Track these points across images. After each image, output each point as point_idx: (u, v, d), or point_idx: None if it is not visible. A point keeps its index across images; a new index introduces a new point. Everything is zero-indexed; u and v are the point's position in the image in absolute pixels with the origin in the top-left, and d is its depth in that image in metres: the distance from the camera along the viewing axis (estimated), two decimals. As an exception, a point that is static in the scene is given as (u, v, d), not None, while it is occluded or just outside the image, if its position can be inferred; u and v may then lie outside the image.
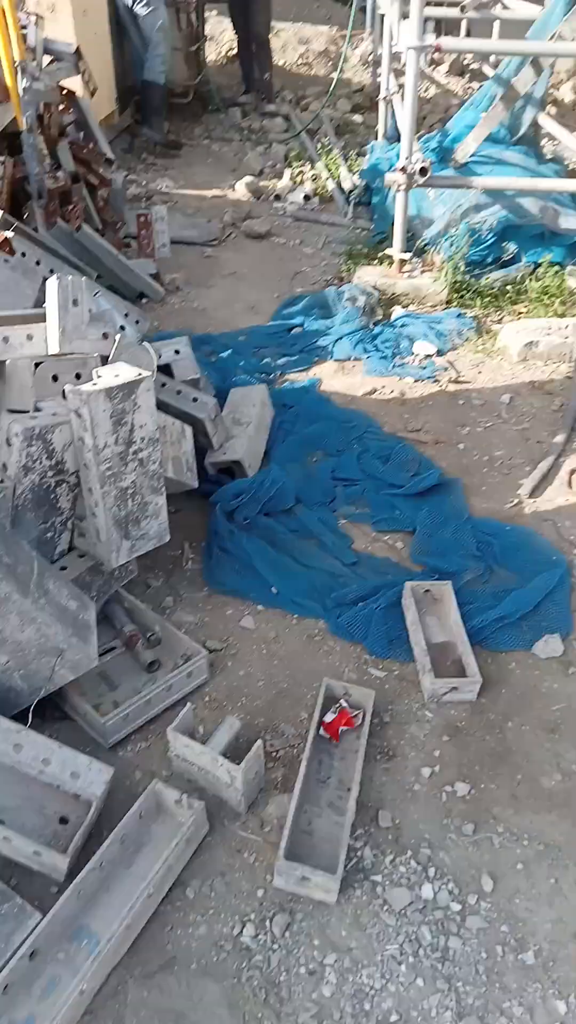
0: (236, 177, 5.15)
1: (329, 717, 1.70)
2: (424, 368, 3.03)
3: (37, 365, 1.82)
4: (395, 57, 4.86)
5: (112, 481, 1.74)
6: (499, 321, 3.38)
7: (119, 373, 1.72)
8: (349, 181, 4.83)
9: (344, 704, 1.73)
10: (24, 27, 3.47)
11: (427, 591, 2.02)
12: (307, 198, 4.75)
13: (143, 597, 1.99)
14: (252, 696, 1.78)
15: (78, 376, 1.88)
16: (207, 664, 1.78)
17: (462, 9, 4.35)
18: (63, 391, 1.85)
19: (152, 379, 1.73)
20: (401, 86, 4.49)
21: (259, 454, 2.51)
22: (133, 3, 5.04)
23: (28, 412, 1.87)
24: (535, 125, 4.13)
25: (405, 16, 3.69)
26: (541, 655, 1.93)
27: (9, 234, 2.52)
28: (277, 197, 4.81)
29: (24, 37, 3.34)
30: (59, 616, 1.50)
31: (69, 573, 1.76)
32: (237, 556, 2.11)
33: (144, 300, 3.53)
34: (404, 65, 3.27)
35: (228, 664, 1.85)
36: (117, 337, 1.95)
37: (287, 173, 5.12)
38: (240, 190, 4.91)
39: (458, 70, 7.16)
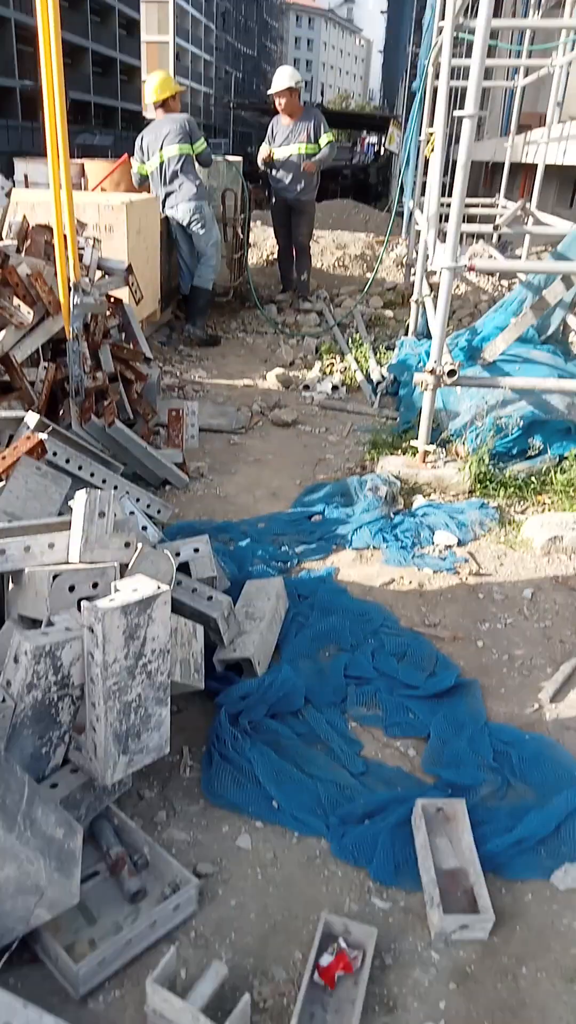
0: (268, 368, 5.51)
1: (326, 960, 1.57)
2: (444, 559, 3.05)
3: (55, 577, 1.87)
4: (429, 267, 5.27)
5: (117, 695, 1.73)
6: (523, 512, 3.43)
7: (137, 587, 1.75)
8: (377, 373, 5.12)
9: (343, 944, 1.60)
10: (82, 249, 3.90)
11: (439, 809, 1.91)
12: (335, 388, 5.03)
13: (135, 810, 1.92)
14: (243, 931, 1.66)
15: (95, 585, 1.93)
16: (196, 894, 1.68)
17: (495, 228, 4.75)
18: (78, 602, 1.91)
19: (169, 592, 1.76)
20: (433, 288, 4.86)
21: (270, 650, 2.49)
22: (189, 224, 5.69)
23: (40, 622, 1.91)
24: (564, 325, 4.38)
25: (442, 236, 4.06)
26: (560, 886, 1.78)
27: (43, 436, 2.70)
28: (306, 387, 5.10)
29: (80, 257, 3.75)
30: (43, 848, 1.45)
31: (59, 791, 1.72)
32: (239, 765, 2.04)
33: (168, 487, 3.68)
34: (439, 276, 3.53)
35: (219, 892, 1.74)
36: (139, 546, 2.01)
37: (317, 364, 5.45)
38: (271, 380, 5.23)
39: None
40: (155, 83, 5.80)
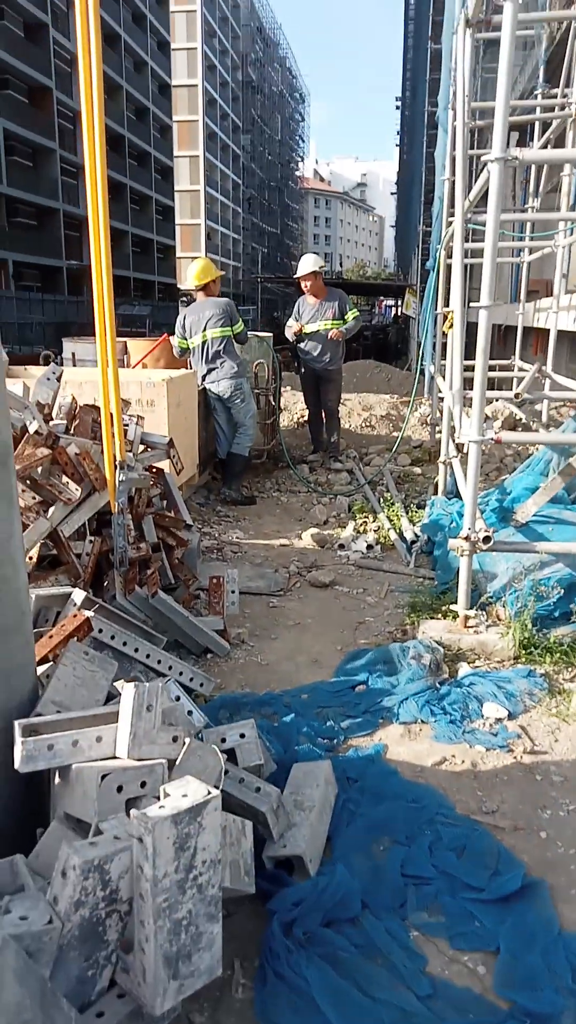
0: (302, 527, 5.60)
1: None
2: (495, 735, 2.93)
3: (104, 776, 1.82)
4: (452, 428, 5.46)
5: (167, 913, 1.63)
6: (572, 680, 3.32)
7: (187, 792, 1.70)
8: (411, 532, 5.17)
9: None
10: (126, 425, 4.10)
11: (519, 1044, 1.72)
12: (370, 547, 5.07)
13: (185, 1044, 1.75)
14: None
15: (143, 784, 1.87)
16: None
17: (517, 395, 4.95)
18: (125, 805, 1.84)
19: (220, 797, 1.70)
20: (459, 449, 4.99)
21: (321, 843, 2.36)
22: (230, 399, 6.10)
23: (86, 822, 1.85)
24: (594, 484, 4.43)
25: (466, 402, 4.21)
26: None
27: (90, 614, 2.72)
28: (341, 546, 5.15)
29: (125, 433, 3.93)
30: None
31: (107, 1022, 1.58)
32: (294, 984, 1.87)
33: (210, 655, 3.65)
34: (467, 447, 3.63)
35: None
36: (186, 741, 1.97)
37: (351, 523, 5.54)
38: (306, 539, 5.30)
39: (510, 425, 7.98)
40: (197, 269, 6.31)
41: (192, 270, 6.35)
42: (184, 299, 42.04)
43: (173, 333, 6.51)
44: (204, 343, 6.22)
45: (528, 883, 2.19)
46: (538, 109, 7.87)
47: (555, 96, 7.43)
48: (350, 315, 7.11)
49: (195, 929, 1.70)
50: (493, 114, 3.36)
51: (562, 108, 6.98)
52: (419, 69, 34.28)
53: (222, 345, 6.18)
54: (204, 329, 6.21)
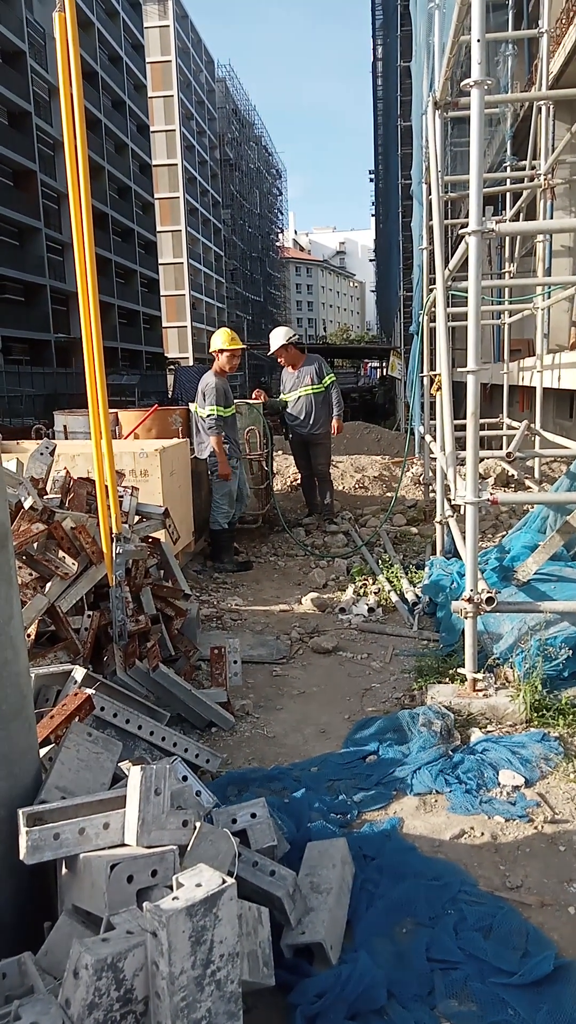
0: (302, 591, 5.55)
1: None
2: (514, 804, 2.83)
3: (113, 867, 1.74)
4: (446, 488, 5.48)
5: (185, 1013, 1.54)
6: (585, 742, 3.25)
7: (201, 881, 1.62)
8: (412, 593, 5.13)
9: None
10: (121, 497, 4.09)
11: None
12: (371, 610, 5.02)
13: None
14: None
15: (154, 873, 1.79)
16: None
17: (508, 455, 4.99)
18: (137, 895, 1.76)
19: (235, 886, 1.62)
20: (455, 509, 5.00)
21: (341, 928, 2.25)
22: (211, 474, 6.13)
23: (95, 915, 1.76)
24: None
25: (461, 467, 4.23)
26: None
27: (91, 691, 2.65)
28: (342, 610, 5.09)
29: (120, 504, 3.92)
30: None
31: None
32: None
33: (215, 729, 3.56)
34: (463, 509, 3.63)
35: None
36: (196, 825, 1.89)
37: (351, 587, 5.49)
38: (306, 604, 5.24)
39: (503, 482, 8.04)
40: (223, 336, 6.40)
41: (218, 336, 6.43)
42: (172, 367, 42.75)
43: (163, 402, 6.60)
44: (195, 414, 6.34)
45: (561, 964, 2.09)
46: (508, 181, 8.20)
47: (523, 168, 7.76)
48: (328, 379, 7.23)
49: (216, 1031, 1.60)
50: (466, 186, 3.50)
51: (531, 179, 7.28)
52: (390, 144, 35.81)
53: (202, 423, 6.27)
54: (193, 401, 6.34)
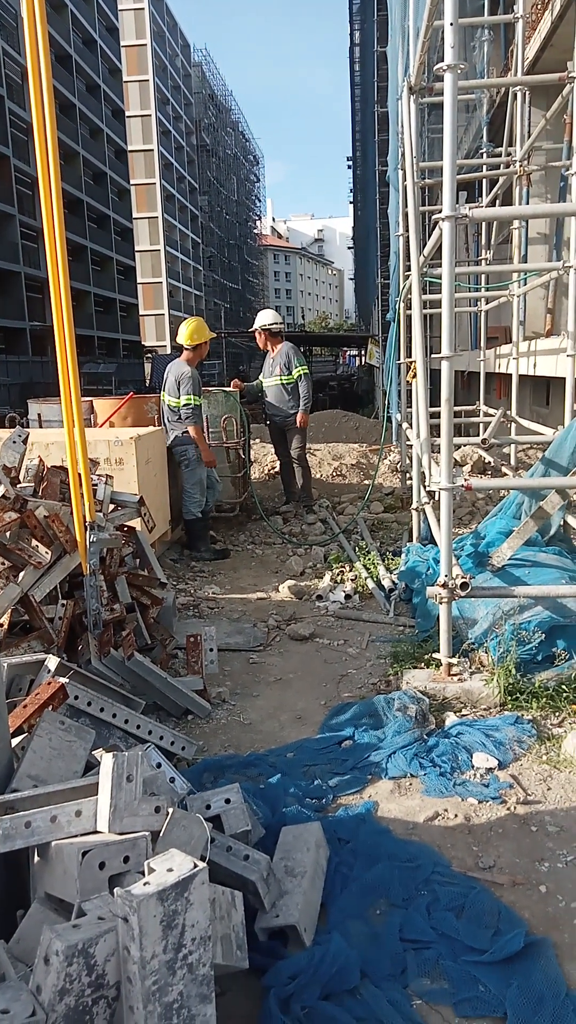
0: (279, 579, 5.55)
1: None
2: (487, 786, 2.87)
3: (84, 854, 1.73)
4: (422, 475, 5.51)
5: (157, 997, 1.54)
6: (560, 725, 3.29)
7: (172, 866, 1.62)
8: (388, 580, 5.15)
9: None
10: (95, 485, 4.06)
11: None
12: (348, 596, 5.03)
13: None
14: None
15: (126, 859, 1.78)
16: None
17: (484, 441, 5.01)
18: (108, 882, 1.76)
19: (207, 870, 1.63)
20: (431, 496, 5.02)
21: (315, 911, 2.26)
22: (180, 463, 6.09)
23: (68, 902, 1.76)
24: (565, 524, 4.47)
25: (436, 454, 4.23)
26: None
27: (64, 680, 2.64)
28: (319, 597, 5.10)
29: (94, 493, 3.89)
30: None
31: None
32: (298, 1068, 1.77)
33: (191, 717, 3.56)
34: (438, 495, 3.65)
35: None
36: (169, 811, 1.89)
37: (328, 574, 5.51)
38: (283, 592, 5.25)
39: (479, 469, 8.08)
40: (186, 330, 6.30)
41: (182, 329, 6.35)
42: (149, 355, 42.42)
43: (140, 391, 6.55)
44: (163, 402, 6.30)
45: (531, 942, 2.12)
46: (484, 167, 8.21)
47: (499, 155, 7.77)
48: (296, 372, 7.20)
49: (187, 1012, 1.60)
50: (441, 173, 3.48)
51: (507, 166, 7.29)
52: (368, 131, 35.65)
53: (171, 411, 6.21)
54: (164, 388, 6.30)
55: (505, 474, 7.31)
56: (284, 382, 7.21)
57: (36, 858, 1.93)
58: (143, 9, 52.54)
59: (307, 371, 7.26)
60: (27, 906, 1.89)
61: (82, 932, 1.56)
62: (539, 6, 9.77)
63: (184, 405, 6.10)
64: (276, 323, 7.36)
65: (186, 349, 6.31)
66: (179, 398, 6.13)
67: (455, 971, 2.06)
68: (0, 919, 1.95)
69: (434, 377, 4.83)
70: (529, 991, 1.96)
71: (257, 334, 7.45)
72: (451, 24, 3.22)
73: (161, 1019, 1.56)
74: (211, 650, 3.82)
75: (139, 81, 53.02)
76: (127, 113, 50.74)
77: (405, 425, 7.14)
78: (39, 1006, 1.51)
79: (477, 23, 9.22)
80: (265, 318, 7.44)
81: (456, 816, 2.72)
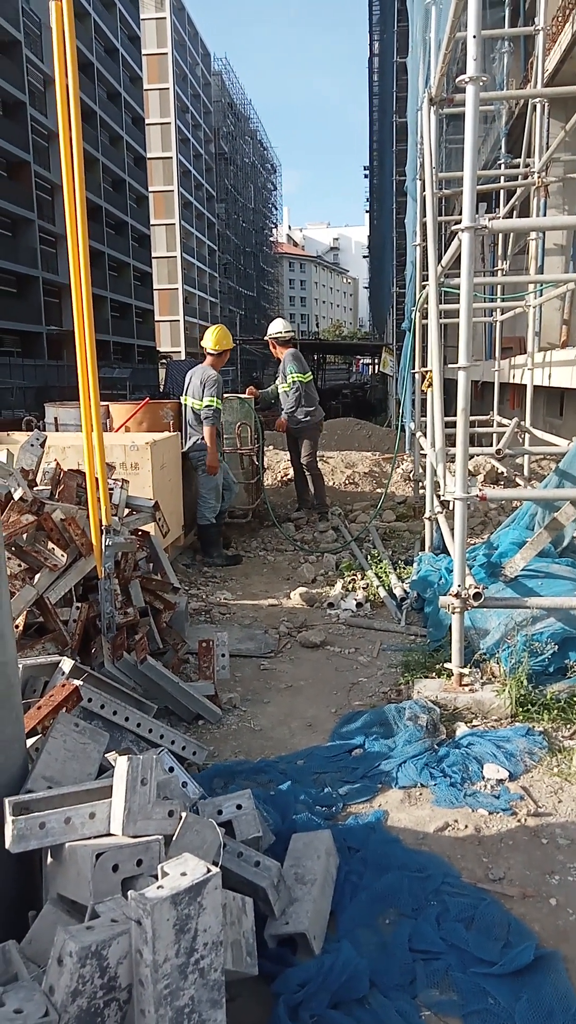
0: (291, 586, 5.56)
1: None
2: (498, 797, 2.86)
3: (98, 856, 1.75)
4: (436, 484, 5.50)
5: (169, 1001, 1.55)
6: (571, 737, 3.27)
7: (185, 870, 1.63)
8: (400, 589, 5.15)
9: None
10: (111, 490, 4.09)
11: None
12: (359, 605, 5.03)
13: None
14: None
15: (139, 863, 1.79)
16: None
17: (498, 451, 5.00)
18: (122, 884, 1.77)
19: (220, 875, 1.64)
20: (444, 505, 5.02)
21: (325, 919, 2.26)
22: (197, 468, 6.13)
23: (80, 904, 1.77)
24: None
25: (450, 463, 4.23)
26: None
27: (78, 683, 2.66)
28: (330, 605, 5.11)
29: (110, 497, 3.92)
30: None
31: None
32: (307, 1076, 1.77)
33: (202, 722, 3.57)
34: (452, 505, 3.65)
35: None
36: (182, 815, 1.90)
37: (339, 582, 5.51)
38: (295, 599, 5.25)
39: (492, 479, 8.07)
40: (212, 336, 6.47)
41: (208, 335, 6.50)
42: (164, 361, 42.60)
43: (154, 396, 6.61)
44: (185, 406, 6.35)
45: (541, 955, 2.11)
46: (502, 178, 8.22)
47: (518, 166, 7.78)
48: (290, 379, 7.24)
49: (198, 1016, 1.61)
50: (460, 183, 3.50)
51: (525, 177, 7.30)
52: (385, 140, 35.77)
53: (194, 415, 6.27)
54: (187, 392, 6.34)
55: (518, 485, 7.30)
56: (284, 389, 7.32)
57: (49, 859, 1.94)
58: (165, 19, 52.99)
59: (303, 378, 7.26)
60: (39, 907, 1.91)
61: (95, 934, 1.57)
62: (559, 18, 9.80)
63: (205, 407, 6.16)
64: (281, 332, 7.45)
65: (210, 354, 6.42)
66: (202, 399, 6.19)
67: (464, 983, 2.06)
68: (12, 920, 1.97)
69: (449, 387, 4.83)
70: (539, 1005, 1.95)
71: (270, 344, 7.54)
72: (474, 36, 3.24)
73: (172, 1023, 1.57)
74: (223, 656, 3.83)
75: (159, 89, 53.44)
76: (147, 121, 51.13)
77: (419, 434, 7.14)
78: (52, 1007, 1.52)
79: (497, 35, 9.23)
80: (272, 328, 7.60)
81: (466, 827, 2.72)
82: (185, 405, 6.38)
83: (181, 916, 1.58)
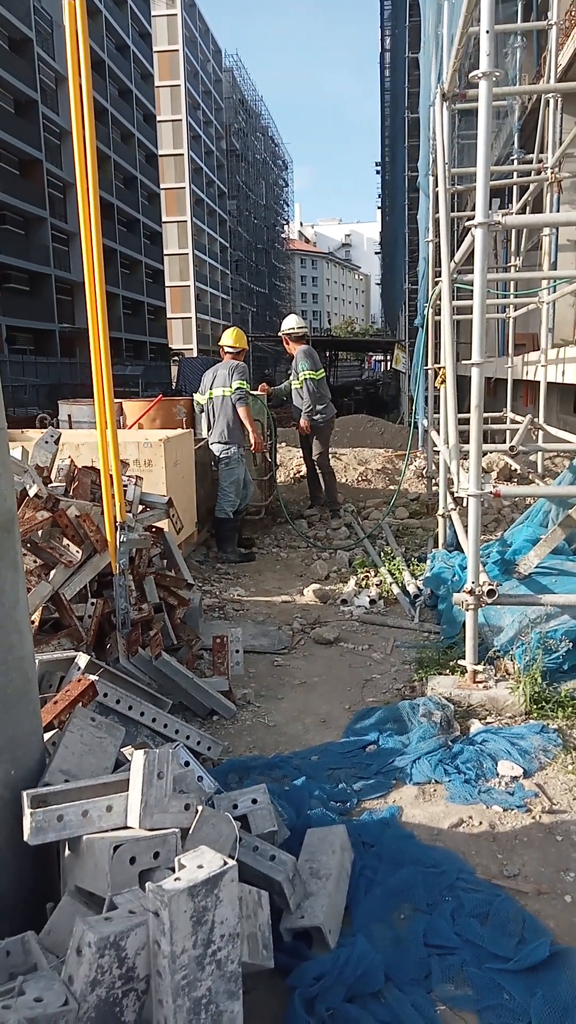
0: (304, 583, 5.57)
1: None
2: (512, 794, 2.86)
3: (116, 848, 1.76)
4: (449, 481, 5.48)
5: (186, 992, 1.57)
6: (584, 734, 3.27)
7: (202, 863, 1.64)
8: (413, 586, 5.15)
9: None
10: (125, 486, 4.11)
11: None
12: (373, 602, 5.03)
13: None
14: None
15: (156, 855, 1.81)
16: None
17: (512, 448, 4.99)
18: (139, 876, 1.78)
19: (236, 868, 1.65)
20: (457, 502, 5.02)
21: (340, 913, 2.28)
22: (217, 460, 6.18)
23: (98, 896, 1.78)
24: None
25: (464, 460, 4.24)
26: None
27: (94, 678, 2.67)
28: (344, 601, 5.11)
29: (124, 494, 3.94)
30: None
31: None
32: (322, 1069, 1.78)
33: (216, 717, 3.59)
34: (466, 501, 3.65)
35: None
36: (199, 809, 1.91)
37: (352, 579, 5.51)
38: (308, 595, 5.26)
39: (506, 476, 8.04)
40: (232, 334, 6.71)
41: (227, 334, 6.73)
42: (176, 358, 42.69)
43: (167, 393, 6.66)
44: (211, 400, 6.43)
45: (556, 951, 2.11)
46: (515, 174, 8.18)
47: (531, 161, 7.74)
48: (302, 376, 7.28)
49: (215, 1008, 1.63)
50: (472, 179, 3.49)
51: (538, 173, 7.25)
52: (397, 136, 35.62)
53: (221, 406, 6.34)
54: (212, 387, 6.43)
55: (532, 482, 7.27)
56: (296, 386, 7.34)
57: (67, 852, 1.96)
58: (176, 15, 52.98)
59: (315, 375, 7.28)
60: (57, 899, 1.93)
61: (114, 925, 1.59)
62: (573, 13, 9.73)
63: (236, 389, 6.30)
64: (294, 328, 7.47)
65: (228, 352, 6.59)
66: (231, 385, 6.31)
67: (479, 978, 2.06)
68: (30, 911, 1.99)
69: (462, 383, 4.82)
70: (554, 1001, 1.95)
71: (284, 340, 7.56)
72: (487, 32, 3.23)
73: (190, 1013, 1.58)
74: (236, 652, 3.84)
75: (171, 86, 53.45)
76: (158, 118, 51.18)
77: (432, 431, 7.12)
78: (71, 996, 1.54)
79: (510, 30, 9.18)
80: (286, 324, 7.66)
81: (481, 823, 2.72)
82: (209, 399, 6.44)
83: (198, 908, 1.59)
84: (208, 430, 6.44)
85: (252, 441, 6.31)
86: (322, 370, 7.50)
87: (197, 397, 6.70)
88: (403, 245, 29.99)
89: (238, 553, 6.25)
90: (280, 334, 7.62)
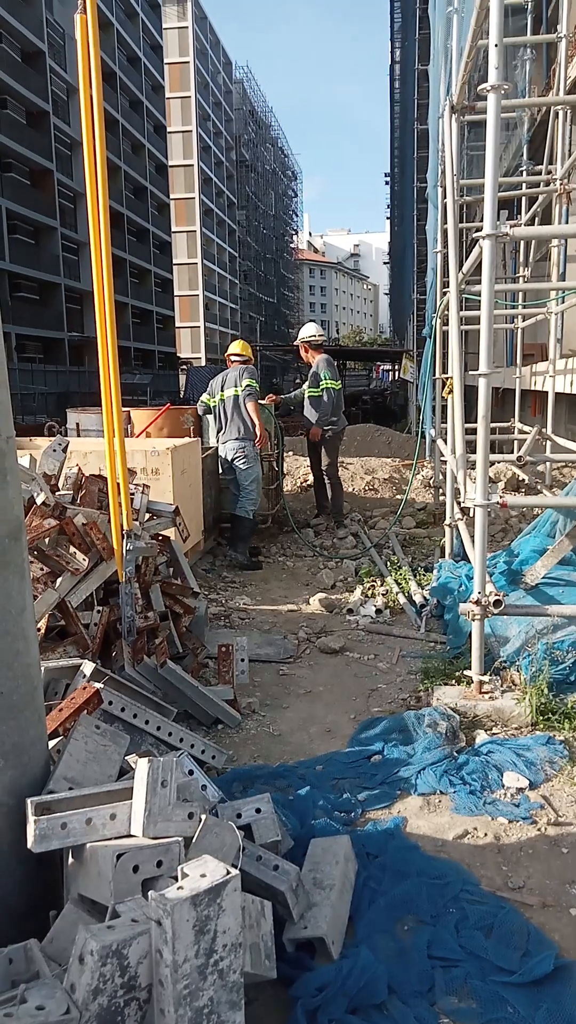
0: (310, 592, 5.57)
1: None
2: (517, 806, 2.85)
3: (119, 856, 1.76)
4: (456, 491, 5.48)
5: (188, 1001, 1.56)
6: (592, 748, 3.25)
7: (205, 872, 1.64)
8: (420, 596, 5.14)
9: None
10: (132, 494, 4.12)
11: None
12: (379, 611, 5.03)
13: None
14: None
15: (159, 864, 1.81)
16: None
17: (519, 458, 4.99)
18: (142, 885, 1.78)
19: (239, 877, 1.65)
20: (464, 512, 5.01)
21: (343, 924, 2.27)
22: (234, 460, 6.23)
23: (101, 904, 1.78)
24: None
25: (471, 470, 4.24)
26: None
27: (99, 686, 2.68)
28: (350, 611, 5.11)
29: (131, 502, 3.95)
30: None
31: None
32: None
33: (221, 726, 3.58)
34: (472, 512, 3.65)
35: None
36: (202, 817, 1.91)
37: (359, 588, 5.51)
38: (314, 604, 5.26)
39: (513, 486, 8.03)
40: (239, 345, 6.87)
41: (235, 344, 6.88)
42: (184, 367, 42.84)
43: (175, 402, 6.73)
44: (223, 401, 6.53)
45: (561, 965, 2.10)
46: (524, 185, 8.20)
47: (539, 173, 7.76)
48: (322, 385, 7.32)
49: (217, 1018, 1.62)
50: (481, 190, 3.50)
51: (547, 184, 7.27)
52: (406, 147, 35.79)
53: (233, 405, 6.41)
54: (223, 389, 6.53)
55: (540, 492, 7.26)
56: (311, 395, 7.35)
57: (70, 859, 1.96)
58: (187, 28, 53.44)
59: (335, 385, 7.33)
60: (60, 907, 1.93)
61: (116, 933, 1.59)
62: (582, 25, 9.75)
63: (246, 386, 6.40)
64: (314, 336, 7.51)
65: (236, 359, 6.70)
66: (242, 384, 6.42)
67: (483, 991, 2.05)
68: (33, 919, 1.99)
69: (469, 393, 4.82)
70: (559, 1015, 1.94)
71: (301, 347, 7.57)
72: (495, 45, 3.25)
73: (191, 1023, 1.58)
74: (242, 660, 3.84)
75: (181, 97, 53.85)
76: (168, 129, 51.56)
77: (439, 441, 7.13)
78: (73, 1004, 1.54)
79: (520, 43, 9.22)
80: (305, 331, 7.69)
81: (486, 835, 2.71)
82: (221, 400, 6.54)
83: (201, 917, 1.59)
84: (219, 432, 6.54)
85: (257, 434, 6.36)
86: (339, 380, 7.56)
87: (204, 398, 6.78)
88: (412, 255, 30.07)
89: (247, 556, 6.26)
90: (298, 342, 7.66)
